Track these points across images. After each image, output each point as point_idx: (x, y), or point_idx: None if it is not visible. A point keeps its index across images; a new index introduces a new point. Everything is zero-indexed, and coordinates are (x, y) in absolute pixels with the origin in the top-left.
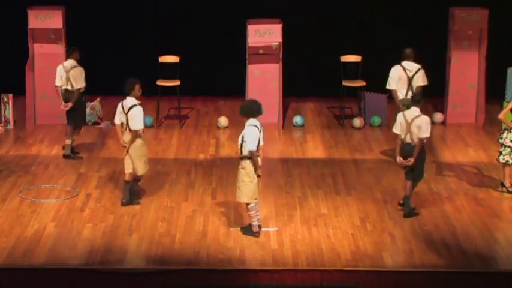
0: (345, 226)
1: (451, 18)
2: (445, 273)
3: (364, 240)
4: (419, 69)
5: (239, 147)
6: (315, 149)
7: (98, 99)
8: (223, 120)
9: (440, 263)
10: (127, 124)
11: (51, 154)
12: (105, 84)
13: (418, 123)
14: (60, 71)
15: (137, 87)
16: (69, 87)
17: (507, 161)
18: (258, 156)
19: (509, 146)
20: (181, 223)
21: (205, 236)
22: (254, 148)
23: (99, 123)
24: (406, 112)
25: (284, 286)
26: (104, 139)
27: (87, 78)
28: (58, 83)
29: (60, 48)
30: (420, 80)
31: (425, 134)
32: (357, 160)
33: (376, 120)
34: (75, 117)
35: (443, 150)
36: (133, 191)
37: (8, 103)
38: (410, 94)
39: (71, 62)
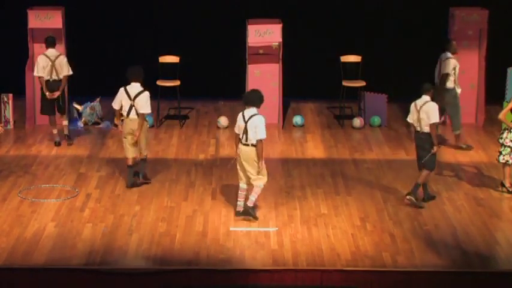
0: (345, 226)
1: (451, 18)
2: (445, 273)
3: (364, 240)
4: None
5: (246, 135)
6: (315, 148)
7: (98, 99)
8: (223, 120)
9: (440, 263)
10: (130, 109)
11: (51, 154)
12: (105, 84)
13: (425, 109)
14: (43, 61)
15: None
16: (55, 77)
17: (507, 161)
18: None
19: (509, 146)
20: (181, 223)
21: (205, 236)
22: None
23: (99, 123)
24: (418, 101)
25: (284, 286)
26: (104, 139)
27: (88, 78)
28: (40, 73)
29: (60, 48)
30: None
31: (434, 119)
32: (357, 160)
33: (376, 120)
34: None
35: (443, 150)
36: (142, 172)
37: (8, 103)
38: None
39: (53, 52)
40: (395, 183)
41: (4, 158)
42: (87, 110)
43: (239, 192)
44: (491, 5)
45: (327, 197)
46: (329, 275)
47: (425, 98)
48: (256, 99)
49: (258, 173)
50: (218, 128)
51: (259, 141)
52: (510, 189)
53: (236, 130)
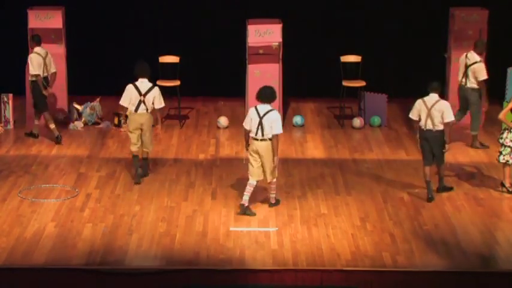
0: (345, 226)
1: (451, 18)
2: (445, 273)
3: (364, 240)
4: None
5: (262, 131)
6: (315, 148)
7: (98, 99)
8: (223, 120)
9: (440, 263)
10: (139, 105)
11: (51, 154)
12: (105, 84)
13: (439, 108)
14: (38, 59)
15: None
16: (45, 74)
17: (507, 161)
18: None
19: (509, 146)
20: (181, 223)
21: (205, 236)
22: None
23: (99, 123)
24: (426, 98)
25: (284, 286)
26: (104, 139)
27: (88, 78)
28: (38, 71)
29: (60, 48)
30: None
31: (450, 117)
32: (357, 160)
33: (376, 120)
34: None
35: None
36: (144, 170)
37: (8, 103)
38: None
39: (41, 49)
40: (395, 183)
41: (4, 158)
42: (87, 110)
43: (247, 187)
44: (491, 5)
45: (327, 197)
46: (329, 275)
47: (435, 96)
48: (270, 95)
49: (274, 168)
50: (218, 128)
51: (275, 136)
52: (510, 189)
53: (247, 126)
